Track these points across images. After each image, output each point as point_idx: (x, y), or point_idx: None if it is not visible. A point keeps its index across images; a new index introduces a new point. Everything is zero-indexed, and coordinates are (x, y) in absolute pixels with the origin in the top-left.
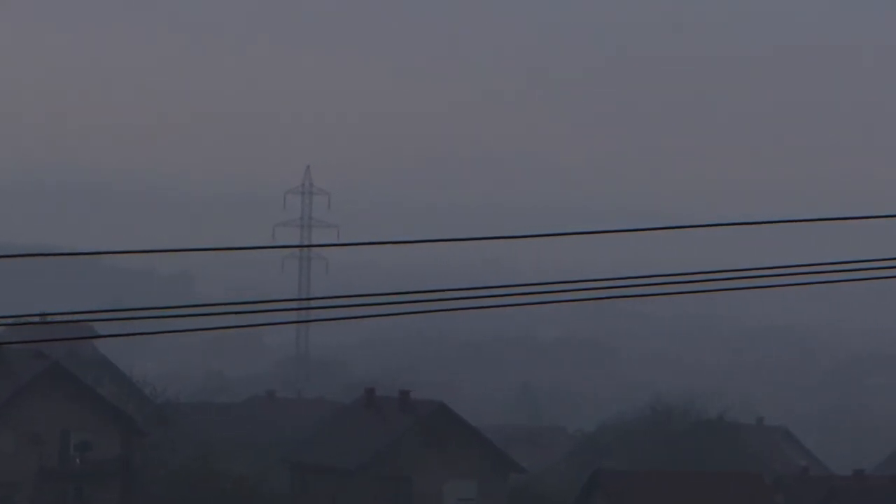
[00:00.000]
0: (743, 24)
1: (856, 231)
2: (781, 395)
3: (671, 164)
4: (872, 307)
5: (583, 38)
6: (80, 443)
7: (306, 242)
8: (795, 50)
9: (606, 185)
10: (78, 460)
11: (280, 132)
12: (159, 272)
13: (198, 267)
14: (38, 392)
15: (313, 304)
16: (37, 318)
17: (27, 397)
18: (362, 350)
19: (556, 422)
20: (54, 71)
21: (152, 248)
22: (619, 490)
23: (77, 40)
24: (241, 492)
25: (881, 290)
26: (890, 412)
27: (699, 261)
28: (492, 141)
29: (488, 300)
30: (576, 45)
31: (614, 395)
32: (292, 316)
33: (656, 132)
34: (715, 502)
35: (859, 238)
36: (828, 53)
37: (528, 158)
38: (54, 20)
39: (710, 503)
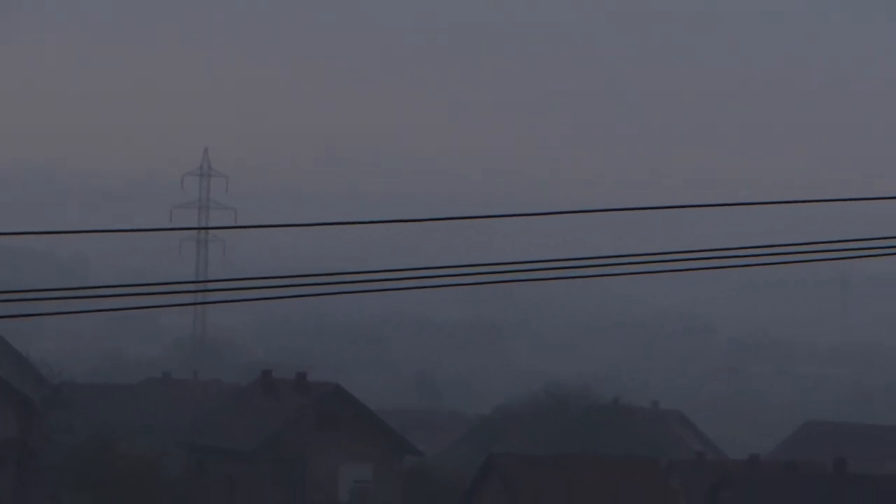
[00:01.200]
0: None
1: (754, 217)
2: (677, 380)
3: (570, 152)
4: (765, 293)
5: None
6: None
7: (204, 225)
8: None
9: (504, 174)
10: None
11: (178, 115)
12: (58, 255)
13: (96, 249)
14: None
15: (210, 286)
16: None
17: None
18: (259, 332)
19: (453, 406)
20: None
21: (51, 230)
22: (514, 473)
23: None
24: (139, 473)
25: (772, 276)
26: (783, 397)
27: (593, 246)
28: (390, 130)
29: (387, 283)
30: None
31: (511, 379)
32: (189, 298)
33: (547, 121)
34: (610, 486)
35: (756, 224)
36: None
37: (423, 149)
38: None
39: (605, 487)
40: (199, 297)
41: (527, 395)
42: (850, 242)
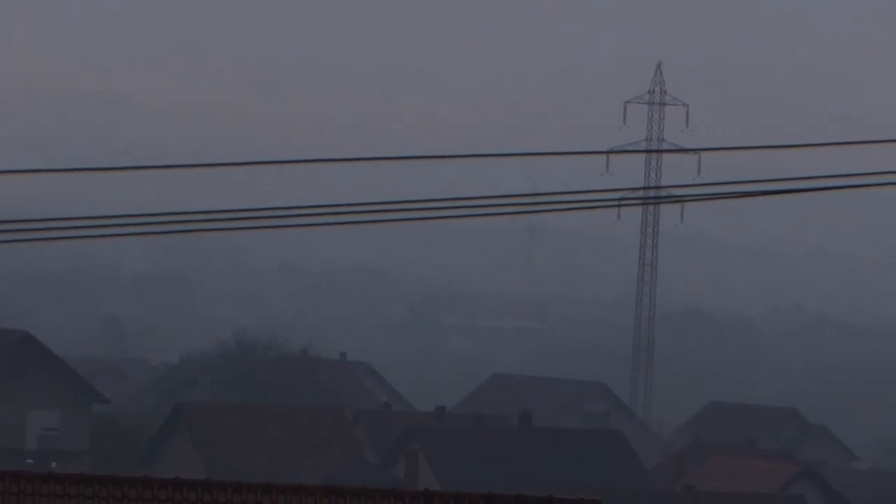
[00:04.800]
0: None
1: (447, 168)
2: (365, 332)
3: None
4: (452, 245)
5: None
6: None
7: None
8: None
9: (185, 125)
10: None
11: None
12: None
13: None
14: None
15: None
16: None
17: None
18: None
19: (141, 353)
20: None
21: None
22: (202, 422)
23: None
24: None
25: (459, 227)
26: (466, 351)
27: (276, 196)
28: (77, 74)
29: (71, 231)
30: None
31: (198, 329)
32: None
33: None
34: (296, 435)
35: (447, 175)
36: None
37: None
38: None
39: (292, 436)
40: None
41: (214, 343)
42: (537, 196)
